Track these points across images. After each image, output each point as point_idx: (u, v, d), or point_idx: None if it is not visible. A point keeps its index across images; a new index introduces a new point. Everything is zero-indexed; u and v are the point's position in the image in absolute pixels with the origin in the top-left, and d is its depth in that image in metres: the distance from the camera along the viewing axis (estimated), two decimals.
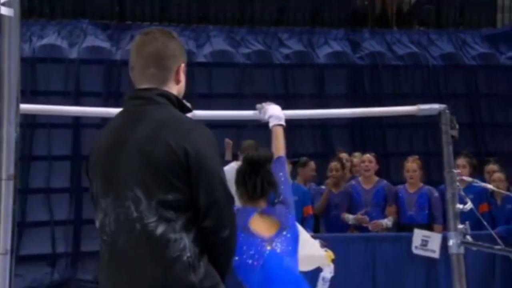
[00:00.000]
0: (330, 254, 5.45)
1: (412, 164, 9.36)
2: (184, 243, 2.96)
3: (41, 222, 11.28)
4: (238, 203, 4.19)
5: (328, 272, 5.61)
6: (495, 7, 14.33)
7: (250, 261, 4.25)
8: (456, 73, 13.46)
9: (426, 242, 8.61)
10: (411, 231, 8.79)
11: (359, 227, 9.41)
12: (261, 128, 5.13)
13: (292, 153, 9.83)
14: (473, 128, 12.95)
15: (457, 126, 4.92)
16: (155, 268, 2.93)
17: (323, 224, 9.80)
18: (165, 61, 3.16)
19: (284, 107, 4.55)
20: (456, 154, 5.25)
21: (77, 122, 11.71)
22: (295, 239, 4.39)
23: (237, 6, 12.84)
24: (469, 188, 6.82)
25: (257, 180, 4.33)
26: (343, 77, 13.11)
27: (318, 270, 5.68)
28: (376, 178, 9.59)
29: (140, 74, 3.16)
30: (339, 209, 9.59)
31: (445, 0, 13.91)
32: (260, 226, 4.33)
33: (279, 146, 4.64)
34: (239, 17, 13.06)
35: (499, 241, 5.79)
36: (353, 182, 9.71)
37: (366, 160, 9.57)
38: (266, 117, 4.58)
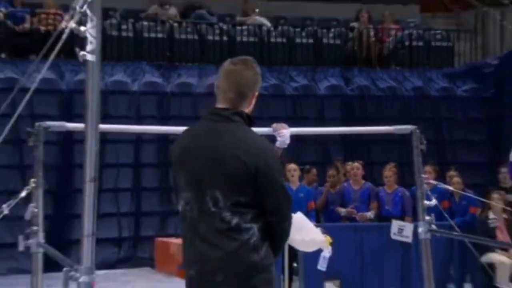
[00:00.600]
0: (328, 239, 5.46)
1: (389, 172, 9.38)
2: (253, 231, 2.97)
3: (110, 213, 11.31)
4: None
5: (327, 252, 5.63)
6: (453, 52, 14.34)
7: None
8: (425, 102, 13.41)
9: (401, 230, 8.56)
10: (389, 221, 8.75)
11: (349, 218, 9.39)
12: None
13: (299, 162, 9.86)
14: (437, 144, 12.89)
15: (424, 142, 4.91)
16: (232, 243, 2.95)
17: (323, 216, 9.79)
18: (243, 90, 3.13)
19: (292, 126, 4.55)
20: (424, 163, 5.23)
21: (138, 138, 11.77)
22: None
23: (258, 50, 12.87)
24: (434, 189, 6.83)
25: None
26: (338, 105, 13.08)
27: (320, 251, 5.71)
28: (362, 181, 9.57)
29: (223, 95, 3.12)
30: (335, 204, 9.57)
31: (415, 47, 13.92)
32: None
33: None
34: (259, 59, 13.04)
35: (456, 229, 5.83)
36: (345, 184, 9.70)
37: (355, 168, 9.57)
38: (287, 141, 4.21)
